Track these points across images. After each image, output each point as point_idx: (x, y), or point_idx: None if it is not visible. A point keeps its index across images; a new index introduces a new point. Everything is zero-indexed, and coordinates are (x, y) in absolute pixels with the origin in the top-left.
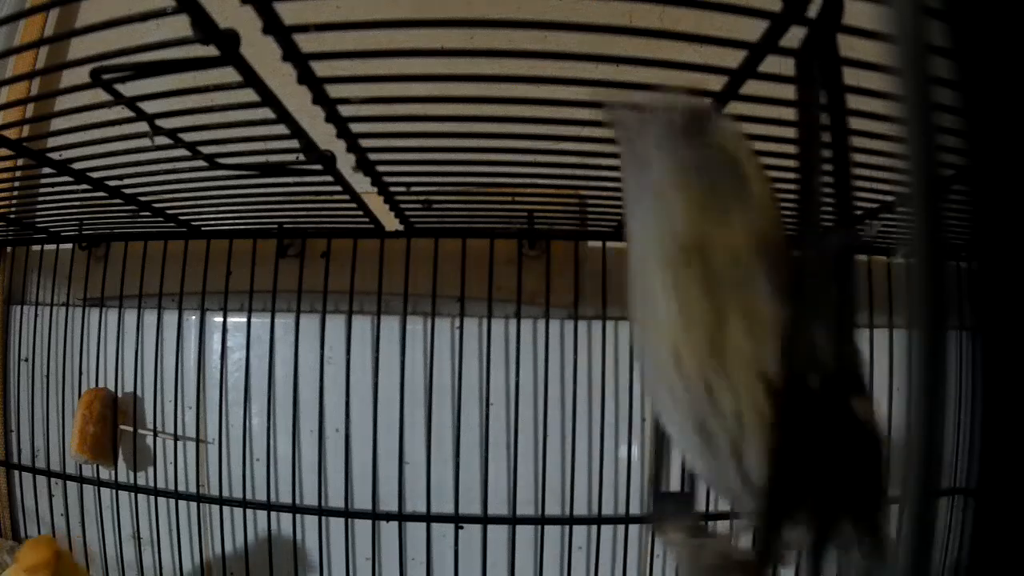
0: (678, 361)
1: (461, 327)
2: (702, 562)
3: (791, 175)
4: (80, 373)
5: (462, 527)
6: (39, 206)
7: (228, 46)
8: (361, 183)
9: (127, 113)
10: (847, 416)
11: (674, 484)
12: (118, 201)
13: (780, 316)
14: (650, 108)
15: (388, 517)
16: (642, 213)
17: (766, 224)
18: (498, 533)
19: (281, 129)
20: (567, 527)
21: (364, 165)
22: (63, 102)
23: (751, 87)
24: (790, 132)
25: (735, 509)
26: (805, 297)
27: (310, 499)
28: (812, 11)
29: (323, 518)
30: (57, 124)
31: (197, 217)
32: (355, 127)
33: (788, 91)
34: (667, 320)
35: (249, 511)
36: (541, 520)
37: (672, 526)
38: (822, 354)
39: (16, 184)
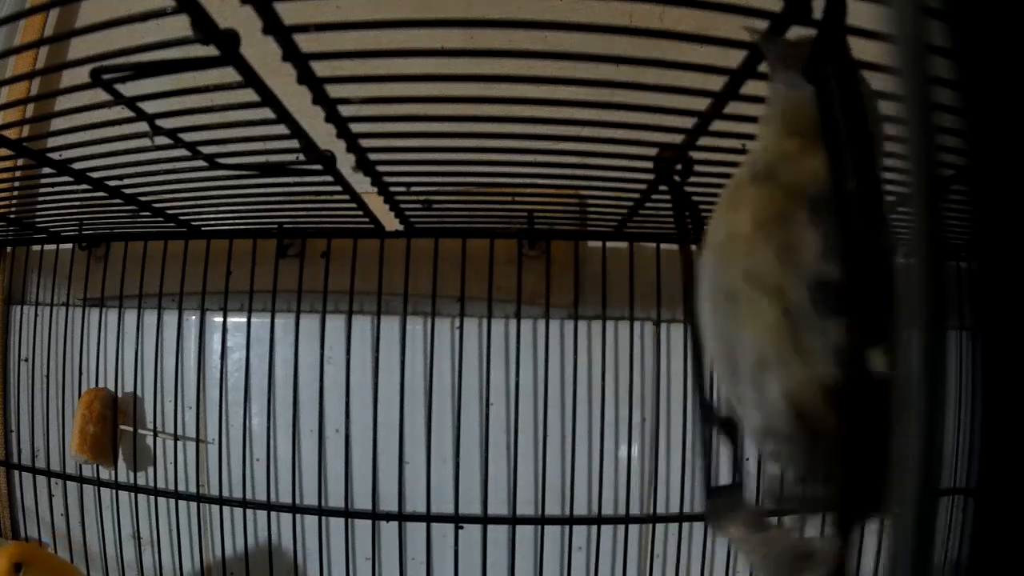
0: (719, 277)
1: (461, 327)
2: (773, 556)
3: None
4: (80, 373)
5: (462, 527)
6: (39, 206)
7: (228, 46)
8: (361, 183)
9: (127, 113)
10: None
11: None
12: (118, 201)
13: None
14: (795, 43)
15: (388, 517)
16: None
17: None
18: (498, 533)
19: (281, 129)
20: (567, 527)
21: (364, 165)
22: (63, 102)
23: (751, 87)
24: None
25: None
26: (865, 302)
27: (310, 499)
28: (811, 12)
29: (323, 518)
30: (57, 124)
31: (197, 217)
32: (355, 127)
33: None
34: (719, 232)
35: (249, 511)
36: (541, 520)
37: (730, 521)
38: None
39: (16, 184)
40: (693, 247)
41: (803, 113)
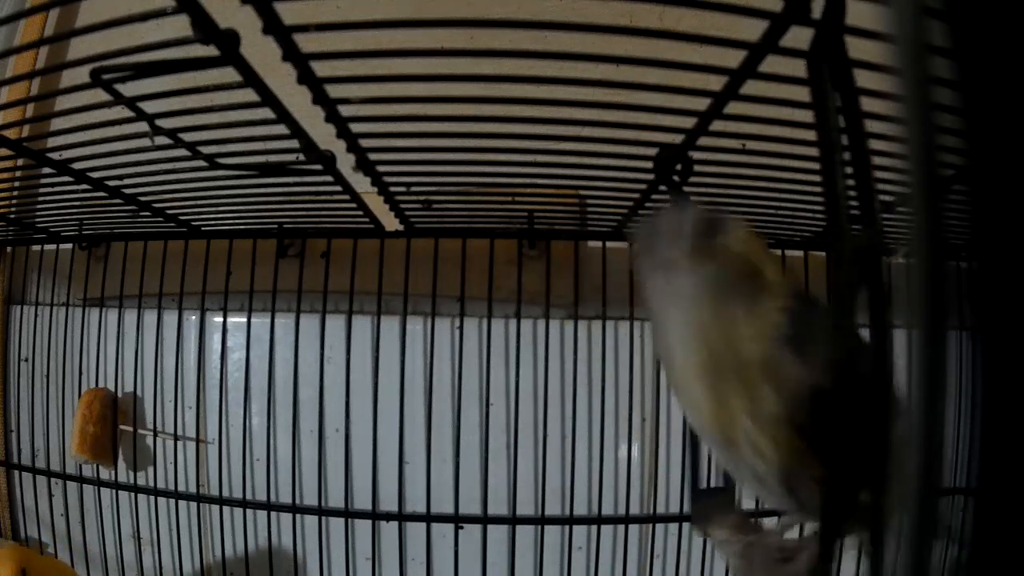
0: (722, 424)
1: (461, 327)
2: (756, 559)
3: (791, 175)
4: (80, 373)
5: (462, 527)
6: (39, 206)
7: (228, 46)
8: (361, 183)
9: (127, 113)
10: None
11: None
12: (118, 201)
13: (801, 387)
14: (667, 226)
15: (388, 517)
16: (667, 315)
17: (782, 299)
18: (498, 533)
19: (281, 129)
20: (567, 527)
21: (364, 165)
22: (63, 102)
23: (751, 87)
24: (790, 132)
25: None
26: (841, 301)
27: (310, 499)
28: (811, 12)
29: (323, 518)
30: (57, 124)
31: (197, 217)
32: (355, 127)
33: (788, 91)
34: (705, 409)
35: (249, 511)
36: (541, 520)
37: (716, 523)
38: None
39: (16, 184)
40: None
41: (727, 283)
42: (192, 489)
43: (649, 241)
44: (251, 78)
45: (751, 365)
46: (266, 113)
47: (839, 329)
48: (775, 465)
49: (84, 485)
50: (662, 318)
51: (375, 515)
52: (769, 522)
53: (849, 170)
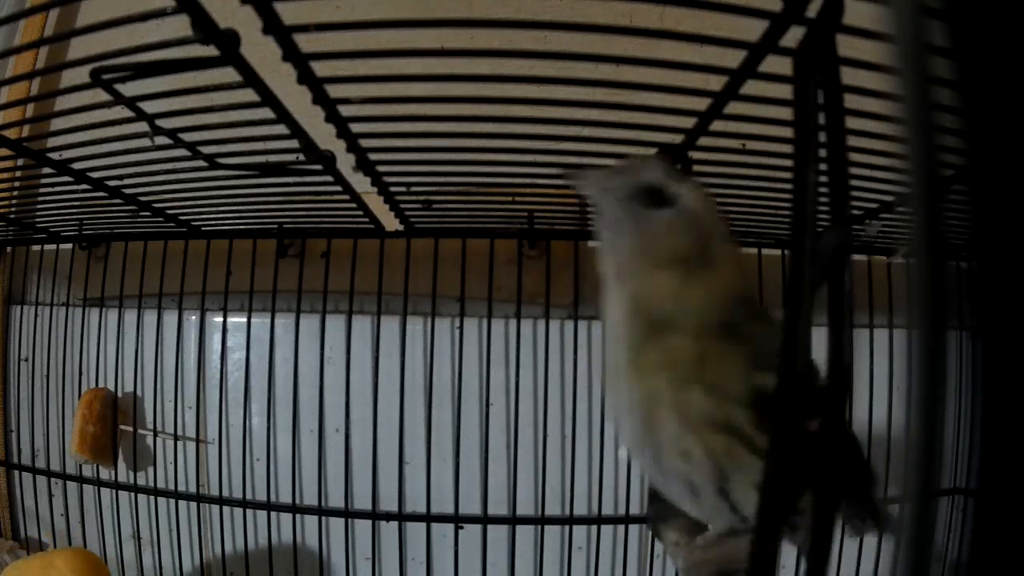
0: (652, 432)
1: (461, 327)
2: (702, 562)
3: (791, 175)
4: (80, 373)
5: (462, 527)
6: (39, 206)
7: (228, 46)
8: (361, 183)
9: (127, 113)
10: (839, 413)
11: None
12: (118, 201)
13: (744, 375)
14: (614, 175)
15: (388, 517)
16: (611, 277)
17: (730, 278)
18: (498, 533)
19: (281, 129)
20: (567, 527)
21: (364, 165)
22: (63, 102)
23: (751, 87)
24: (790, 132)
25: (734, 529)
26: (800, 299)
27: (310, 499)
28: (811, 11)
29: (323, 518)
30: (57, 124)
31: (197, 217)
32: (355, 127)
33: (788, 91)
34: (633, 394)
35: (249, 511)
36: (541, 520)
37: (669, 527)
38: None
39: (16, 184)
40: None
41: (674, 240)
42: (192, 489)
43: (597, 193)
44: (251, 78)
45: (686, 345)
46: (266, 113)
47: (788, 324)
48: (707, 470)
49: (84, 485)
50: (606, 294)
51: (375, 515)
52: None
53: (824, 167)
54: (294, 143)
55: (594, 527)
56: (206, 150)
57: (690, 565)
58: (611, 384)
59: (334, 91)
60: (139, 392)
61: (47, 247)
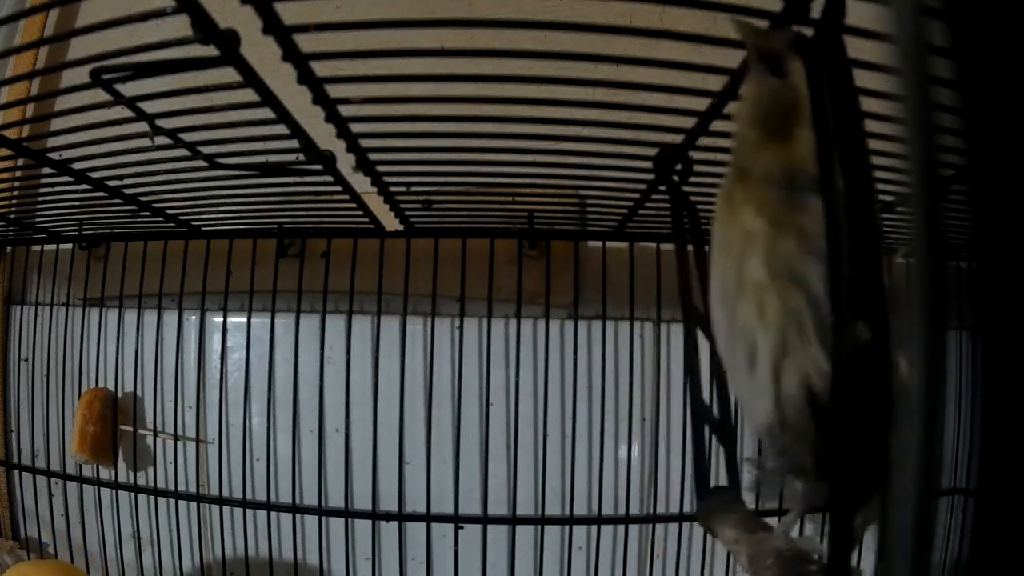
0: (741, 275)
1: (461, 327)
2: (767, 557)
3: None
4: (80, 373)
5: (462, 527)
6: (39, 206)
7: (228, 46)
8: (361, 183)
9: (127, 113)
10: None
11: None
12: (118, 201)
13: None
14: (762, 35)
15: (388, 517)
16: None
17: (806, 156)
18: (498, 533)
19: (281, 129)
20: (567, 527)
21: (364, 165)
22: (63, 102)
23: None
24: None
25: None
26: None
27: (310, 499)
28: (812, 11)
29: (323, 518)
30: (57, 124)
31: (197, 217)
32: (355, 127)
33: None
34: (728, 237)
35: (249, 511)
36: (541, 520)
37: (725, 524)
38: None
39: (16, 184)
40: (690, 248)
41: (764, 104)
42: (192, 489)
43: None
44: (251, 78)
45: (773, 198)
46: (266, 113)
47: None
48: (773, 335)
49: (84, 485)
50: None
51: (375, 515)
52: (772, 521)
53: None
54: (294, 143)
55: (594, 527)
56: (206, 150)
57: (754, 560)
58: (717, 221)
59: (334, 91)
60: (139, 392)
61: (47, 247)
